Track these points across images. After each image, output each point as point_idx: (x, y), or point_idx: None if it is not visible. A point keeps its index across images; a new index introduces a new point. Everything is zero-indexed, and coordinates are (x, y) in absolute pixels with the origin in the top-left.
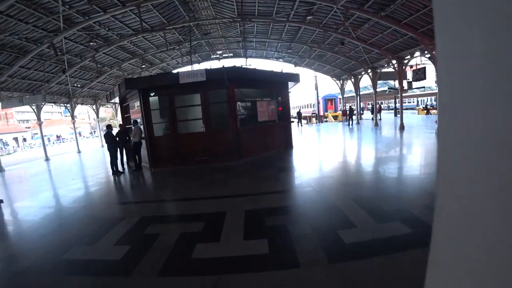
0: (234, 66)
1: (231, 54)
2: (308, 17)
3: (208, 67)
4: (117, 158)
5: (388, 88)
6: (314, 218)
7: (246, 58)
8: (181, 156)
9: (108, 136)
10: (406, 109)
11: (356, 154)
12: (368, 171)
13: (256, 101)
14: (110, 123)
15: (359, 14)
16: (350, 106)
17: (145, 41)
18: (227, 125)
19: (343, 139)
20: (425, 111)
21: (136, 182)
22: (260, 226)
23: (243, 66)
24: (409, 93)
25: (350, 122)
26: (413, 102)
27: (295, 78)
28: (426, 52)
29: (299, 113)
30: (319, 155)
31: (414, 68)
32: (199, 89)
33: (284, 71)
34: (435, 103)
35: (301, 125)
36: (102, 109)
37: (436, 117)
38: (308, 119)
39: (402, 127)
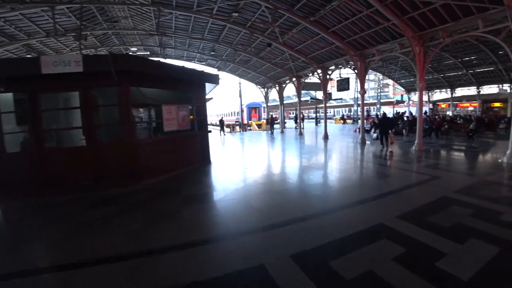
0: (127, 54)
1: (148, 53)
2: (234, 14)
3: None
4: None
5: (311, 98)
6: None
7: (165, 58)
8: (48, 181)
9: None
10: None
11: (288, 172)
12: (306, 200)
13: (161, 105)
14: None
15: (288, 17)
16: (271, 115)
17: (27, 22)
18: (120, 137)
19: (270, 151)
20: (342, 120)
21: None
22: None
23: (141, 56)
24: (328, 104)
25: (272, 131)
26: (330, 112)
27: (213, 79)
28: (351, 63)
29: (221, 121)
30: (243, 173)
31: (337, 79)
32: (79, 85)
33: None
34: (350, 113)
35: (224, 134)
36: None
37: (355, 126)
38: (232, 127)
39: (326, 137)
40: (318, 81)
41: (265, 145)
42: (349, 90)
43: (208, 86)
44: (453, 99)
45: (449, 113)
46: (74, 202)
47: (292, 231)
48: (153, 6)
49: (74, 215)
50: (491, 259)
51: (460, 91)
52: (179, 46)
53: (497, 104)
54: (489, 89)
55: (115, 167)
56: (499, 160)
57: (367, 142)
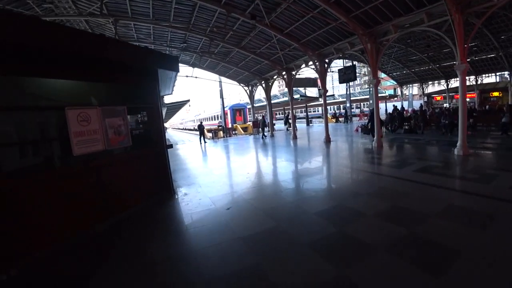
0: None
1: None
2: None
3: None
4: None
5: (300, 96)
6: None
7: None
8: None
9: None
10: (313, 117)
11: (317, 220)
12: None
13: (65, 108)
14: None
15: None
16: (262, 116)
17: None
18: None
19: (265, 167)
20: (334, 119)
21: None
22: None
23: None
24: (317, 102)
25: (264, 135)
26: (318, 111)
27: (167, 62)
28: (359, 46)
29: (200, 127)
30: (228, 226)
31: (332, 71)
32: None
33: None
34: (343, 111)
35: (205, 142)
36: None
37: (356, 124)
38: (214, 133)
39: (328, 140)
40: (309, 75)
41: (256, 155)
42: (355, 81)
43: (165, 79)
44: (449, 90)
45: (446, 105)
46: None
47: None
48: None
49: None
50: None
51: (456, 82)
52: (143, 38)
53: (495, 94)
54: (485, 79)
55: None
56: None
57: (386, 148)
